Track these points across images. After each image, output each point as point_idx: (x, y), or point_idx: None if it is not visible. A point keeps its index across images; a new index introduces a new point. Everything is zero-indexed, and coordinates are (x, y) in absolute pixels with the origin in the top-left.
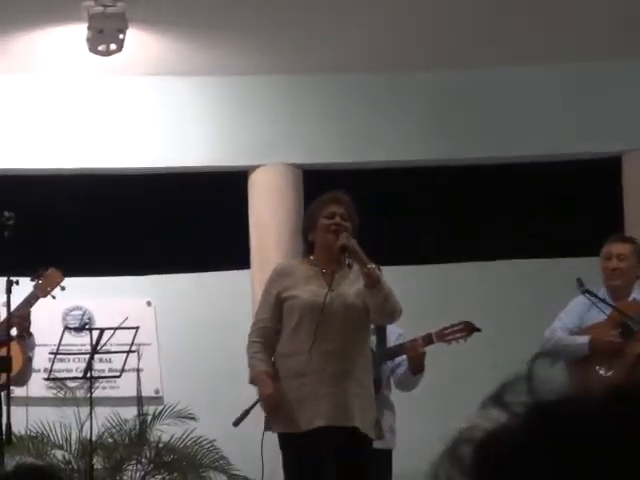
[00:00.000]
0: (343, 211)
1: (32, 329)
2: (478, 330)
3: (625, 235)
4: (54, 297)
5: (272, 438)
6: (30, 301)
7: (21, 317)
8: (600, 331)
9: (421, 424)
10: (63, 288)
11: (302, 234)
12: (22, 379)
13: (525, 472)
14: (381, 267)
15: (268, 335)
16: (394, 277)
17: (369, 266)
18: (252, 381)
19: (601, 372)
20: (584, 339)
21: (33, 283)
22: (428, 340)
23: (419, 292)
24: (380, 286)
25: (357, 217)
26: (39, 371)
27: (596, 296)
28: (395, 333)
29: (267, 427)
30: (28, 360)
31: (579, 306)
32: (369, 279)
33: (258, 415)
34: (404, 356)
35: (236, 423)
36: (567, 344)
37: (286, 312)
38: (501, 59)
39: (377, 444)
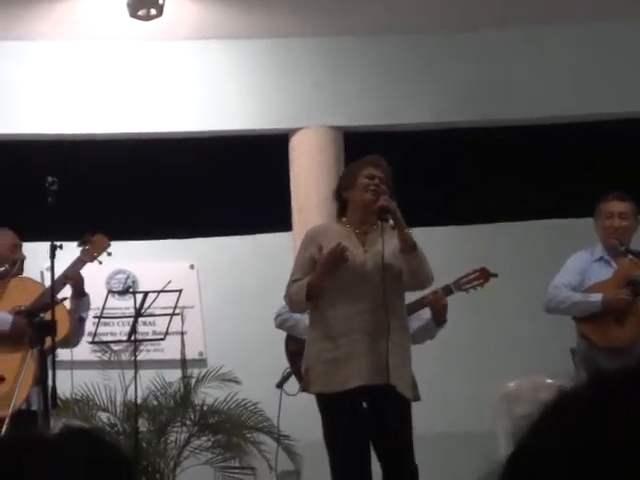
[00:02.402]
0: (382, 175)
1: None
2: (494, 275)
3: (621, 193)
4: (100, 262)
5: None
6: (76, 265)
7: (75, 276)
8: (609, 289)
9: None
10: (110, 254)
11: (336, 192)
12: (72, 340)
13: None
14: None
15: None
16: (427, 235)
17: (406, 230)
18: (308, 296)
19: (614, 327)
20: (597, 297)
21: (80, 248)
22: (447, 291)
23: (457, 253)
24: (416, 252)
25: (393, 182)
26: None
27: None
28: None
29: (304, 388)
30: (79, 321)
31: (581, 263)
32: (406, 244)
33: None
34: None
35: (279, 385)
36: (578, 301)
37: None
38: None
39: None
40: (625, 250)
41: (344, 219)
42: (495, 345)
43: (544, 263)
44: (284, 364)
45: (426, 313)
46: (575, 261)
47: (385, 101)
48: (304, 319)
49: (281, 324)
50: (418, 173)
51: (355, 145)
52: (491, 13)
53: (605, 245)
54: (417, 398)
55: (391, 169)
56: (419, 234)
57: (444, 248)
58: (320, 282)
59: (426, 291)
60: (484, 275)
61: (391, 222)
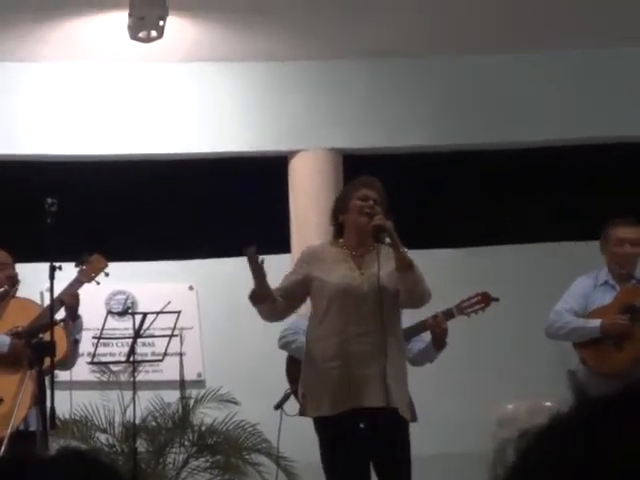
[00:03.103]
0: (376, 196)
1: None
2: (496, 300)
3: (631, 218)
4: (98, 283)
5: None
6: (74, 286)
7: (70, 297)
8: (608, 314)
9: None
10: (107, 274)
11: (331, 215)
12: (68, 362)
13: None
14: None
15: (281, 305)
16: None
17: (402, 250)
18: (251, 297)
19: (614, 352)
20: (595, 322)
21: (77, 269)
22: (449, 314)
23: (450, 276)
24: (412, 270)
25: (387, 203)
26: (82, 355)
27: None
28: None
29: (302, 412)
30: (74, 343)
31: (583, 288)
32: (402, 262)
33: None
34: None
35: (277, 406)
36: (577, 327)
37: (316, 295)
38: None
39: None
40: (627, 275)
41: (341, 241)
42: (493, 367)
43: (543, 286)
44: (283, 385)
45: (427, 335)
46: (578, 285)
47: (383, 124)
48: None
49: (285, 346)
50: (417, 195)
51: (354, 167)
52: (485, 38)
53: (611, 270)
54: (414, 419)
55: (385, 191)
56: (417, 256)
57: (442, 270)
58: (255, 285)
59: (427, 314)
60: (485, 299)
61: (388, 240)
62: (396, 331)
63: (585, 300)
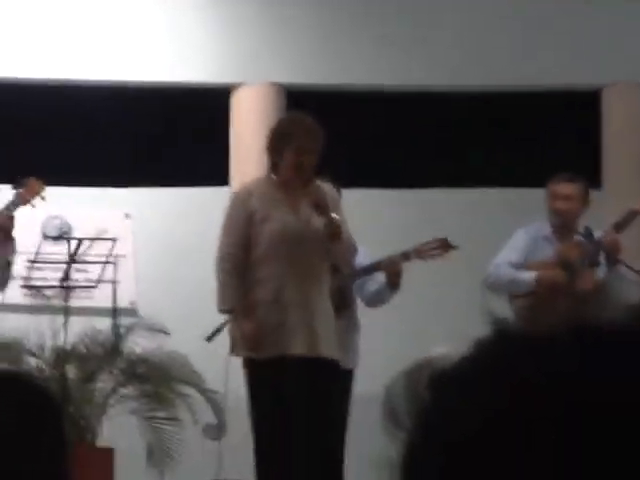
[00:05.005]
0: (312, 145)
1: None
2: (454, 247)
3: (571, 174)
4: (34, 206)
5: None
6: (10, 208)
7: (4, 219)
8: (546, 268)
9: (382, 343)
10: (43, 198)
11: (266, 151)
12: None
13: (483, 401)
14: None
15: (239, 261)
16: (369, 200)
17: (335, 220)
18: (223, 311)
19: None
20: (530, 275)
21: (14, 191)
22: (405, 257)
23: (400, 216)
24: (340, 240)
25: (322, 145)
26: (16, 278)
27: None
28: (361, 251)
29: (231, 350)
30: (7, 264)
31: (523, 241)
32: (332, 235)
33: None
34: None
35: (209, 338)
36: (512, 279)
37: (256, 238)
38: None
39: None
40: (568, 228)
41: (274, 177)
42: (432, 311)
43: (489, 230)
44: (215, 317)
45: (380, 276)
46: (518, 239)
47: (328, 60)
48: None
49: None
50: (365, 135)
51: (297, 102)
52: None
53: (552, 224)
54: (354, 365)
55: (324, 129)
56: (367, 195)
57: (389, 210)
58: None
59: (382, 255)
60: (444, 246)
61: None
62: (325, 275)
63: (524, 253)
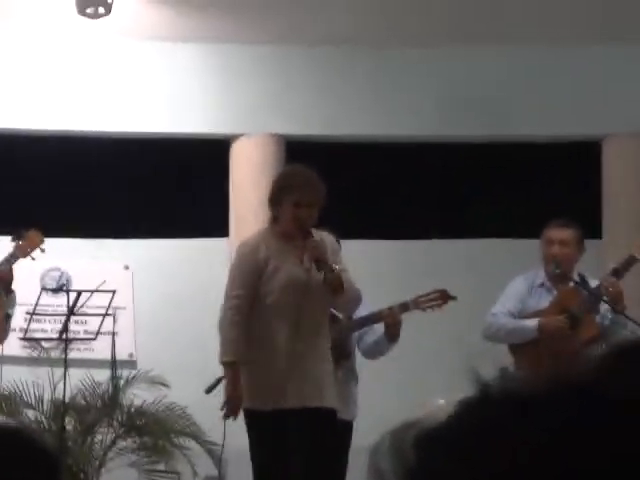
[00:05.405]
0: (312, 198)
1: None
2: (453, 298)
3: (566, 220)
4: (33, 258)
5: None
6: (10, 260)
7: (4, 272)
8: (546, 316)
9: (381, 395)
10: (43, 250)
11: (268, 203)
12: None
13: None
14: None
15: (245, 313)
16: (367, 251)
17: (335, 273)
18: (227, 364)
19: (549, 358)
20: (533, 322)
21: (13, 243)
22: (404, 308)
23: (399, 267)
24: (343, 291)
25: (324, 196)
26: (14, 330)
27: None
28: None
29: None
30: (6, 317)
31: (519, 289)
32: (334, 288)
33: None
34: (372, 325)
35: (208, 391)
36: (513, 328)
37: (265, 289)
38: (488, 38)
39: (339, 415)
40: (563, 275)
41: (277, 228)
42: (431, 361)
43: (490, 281)
44: (214, 369)
45: (380, 328)
46: (515, 288)
47: (328, 111)
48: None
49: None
50: (364, 186)
51: (297, 154)
52: (440, 29)
53: (546, 272)
54: (354, 416)
55: (325, 180)
56: (368, 246)
57: (390, 261)
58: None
59: (381, 306)
60: (444, 297)
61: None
62: (327, 327)
63: (521, 302)
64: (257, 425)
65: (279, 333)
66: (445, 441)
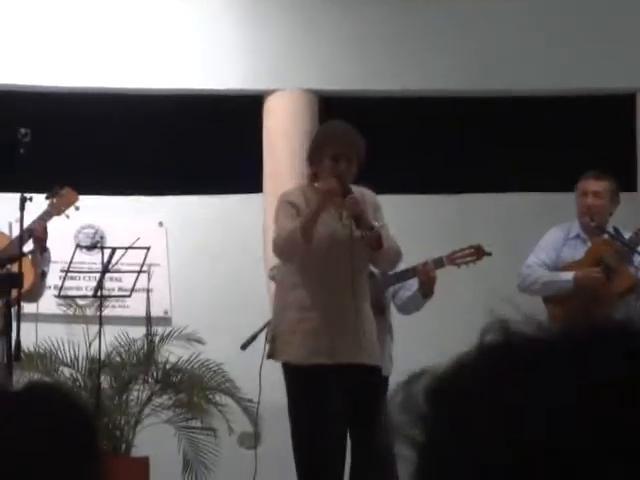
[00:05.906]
0: (349, 151)
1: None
2: (489, 254)
3: (600, 172)
4: (68, 216)
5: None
6: (44, 219)
7: (40, 229)
8: (581, 268)
9: (415, 350)
10: (77, 208)
11: (306, 162)
12: (35, 294)
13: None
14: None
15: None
16: (400, 206)
17: (374, 230)
18: (303, 233)
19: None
20: (568, 275)
21: (48, 201)
22: (439, 263)
23: (435, 221)
24: (383, 248)
25: (363, 151)
26: (50, 288)
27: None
28: None
29: (270, 355)
30: (42, 275)
31: (554, 241)
32: (373, 245)
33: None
34: (407, 280)
35: (244, 347)
36: (550, 280)
37: None
38: None
39: None
40: (597, 227)
41: (317, 185)
42: (466, 317)
43: (521, 237)
44: (250, 325)
45: (414, 283)
46: (549, 239)
47: (362, 65)
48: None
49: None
50: (396, 141)
51: (331, 109)
52: None
53: (581, 223)
54: (388, 373)
55: (363, 139)
56: (400, 201)
57: (426, 217)
58: (314, 218)
59: (415, 261)
60: (478, 252)
61: (360, 233)
62: (367, 282)
63: (556, 253)
64: (296, 380)
65: (319, 287)
66: (462, 392)
